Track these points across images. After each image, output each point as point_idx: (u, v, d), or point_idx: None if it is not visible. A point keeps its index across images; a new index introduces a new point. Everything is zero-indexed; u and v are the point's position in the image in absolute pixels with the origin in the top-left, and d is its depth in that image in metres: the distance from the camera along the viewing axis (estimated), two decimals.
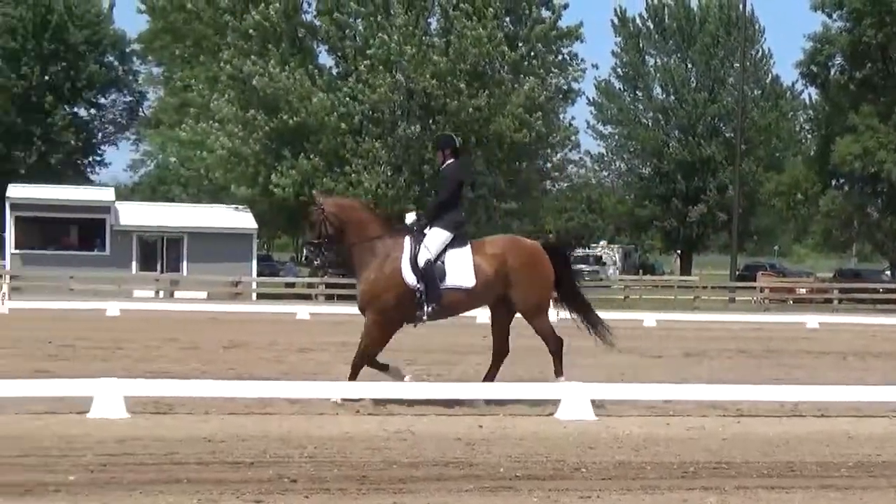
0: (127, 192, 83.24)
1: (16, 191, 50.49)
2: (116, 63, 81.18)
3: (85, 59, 76.25)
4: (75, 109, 79.08)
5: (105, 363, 17.71)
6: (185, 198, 68.40)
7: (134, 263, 49.74)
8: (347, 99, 49.20)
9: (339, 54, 52.48)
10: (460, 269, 13.93)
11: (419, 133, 49.53)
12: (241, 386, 13.68)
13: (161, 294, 46.93)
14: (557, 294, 14.89)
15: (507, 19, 52.94)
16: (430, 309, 13.91)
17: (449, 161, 14.60)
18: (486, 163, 51.22)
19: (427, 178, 50.08)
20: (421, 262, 13.83)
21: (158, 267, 50.10)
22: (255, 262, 52.16)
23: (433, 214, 14.23)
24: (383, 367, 14.22)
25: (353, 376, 14.02)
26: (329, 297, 48.34)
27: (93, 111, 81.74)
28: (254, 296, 48.39)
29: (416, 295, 13.89)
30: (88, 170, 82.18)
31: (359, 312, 14.26)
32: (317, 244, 14.42)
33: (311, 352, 21.27)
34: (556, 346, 14.56)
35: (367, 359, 14.10)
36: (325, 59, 54.35)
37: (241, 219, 52.40)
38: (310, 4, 53.39)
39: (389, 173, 49.58)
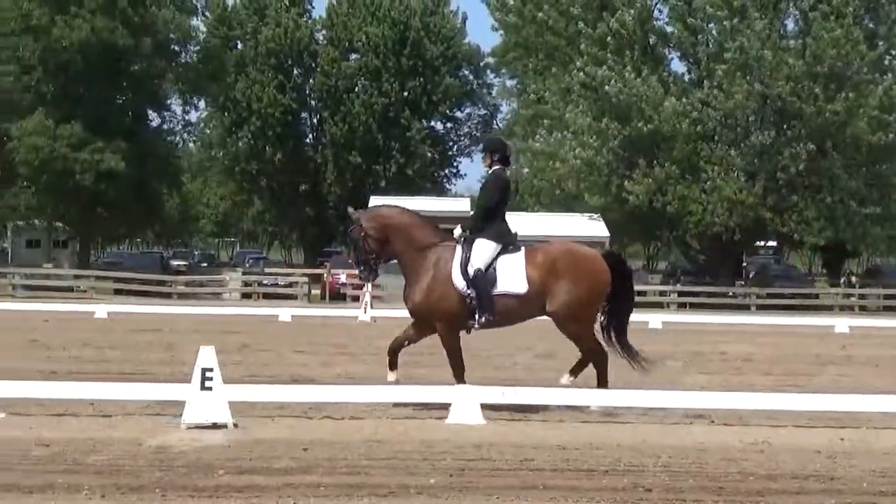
0: None
1: (377, 202, 52.43)
2: (471, 77, 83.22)
3: (440, 73, 78.47)
4: (432, 123, 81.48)
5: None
6: (538, 207, 69.26)
7: None
8: (700, 105, 48.59)
9: (692, 60, 51.96)
10: (512, 276, 13.71)
11: (773, 139, 48.39)
12: (592, 394, 13.72)
13: None
14: (609, 307, 14.38)
15: (866, 17, 50.94)
16: (482, 319, 13.73)
17: (496, 167, 14.43)
18: (844, 167, 49.40)
19: (782, 185, 48.84)
20: (470, 272, 13.67)
21: None
22: None
23: (478, 224, 14.09)
24: (393, 365, 14.16)
25: (459, 379, 13.79)
26: (681, 306, 47.94)
27: (448, 124, 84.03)
28: None
29: (468, 301, 13.70)
30: (444, 181, 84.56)
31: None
32: (365, 261, 14.33)
33: (662, 360, 21.02)
34: (600, 360, 14.15)
35: (458, 364, 13.99)
36: (677, 66, 54.00)
37: (593, 227, 52.59)
38: (661, 11, 53.18)
39: (744, 180, 48.64)
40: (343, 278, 50.54)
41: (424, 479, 9.66)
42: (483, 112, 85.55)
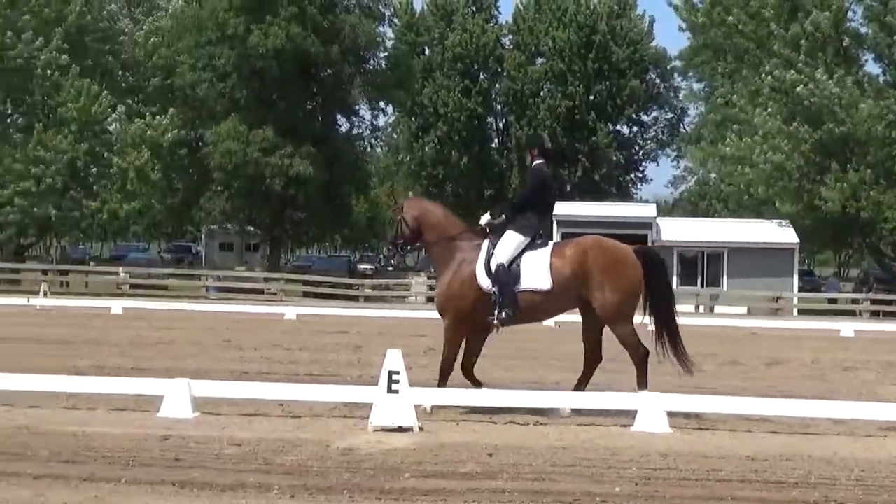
0: (667, 208, 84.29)
1: (562, 208, 52.38)
2: (658, 80, 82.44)
3: (626, 77, 77.96)
4: (618, 127, 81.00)
5: (650, 377, 17.96)
6: (726, 213, 68.28)
7: (674, 278, 50.20)
8: None
9: (887, 61, 50.53)
10: (536, 272, 13.45)
11: None
12: (782, 404, 13.43)
13: (701, 309, 47.07)
14: (649, 305, 13.96)
15: None
16: (503, 315, 13.49)
17: (537, 162, 14.13)
18: None
19: None
20: (493, 266, 13.49)
21: (698, 282, 50.31)
22: (795, 278, 51.19)
23: (509, 215, 13.91)
24: (476, 383, 13.86)
25: (442, 383, 13.71)
26: (874, 314, 46.66)
27: (634, 128, 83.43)
28: (794, 311, 47.48)
29: (492, 299, 13.50)
30: (630, 185, 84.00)
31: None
32: (394, 244, 14.57)
33: (855, 370, 20.55)
34: (639, 357, 13.63)
35: (449, 364, 13.83)
36: (871, 67, 52.60)
37: (782, 234, 51.59)
38: (854, 12, 51.87)
39: None
40: None
41: (609, 487, 9.60)
42: (670, 116, 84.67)
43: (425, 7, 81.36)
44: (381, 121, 77.95)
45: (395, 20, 74.54)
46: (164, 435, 11.42)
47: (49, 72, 53.34)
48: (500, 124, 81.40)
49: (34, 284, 43.29)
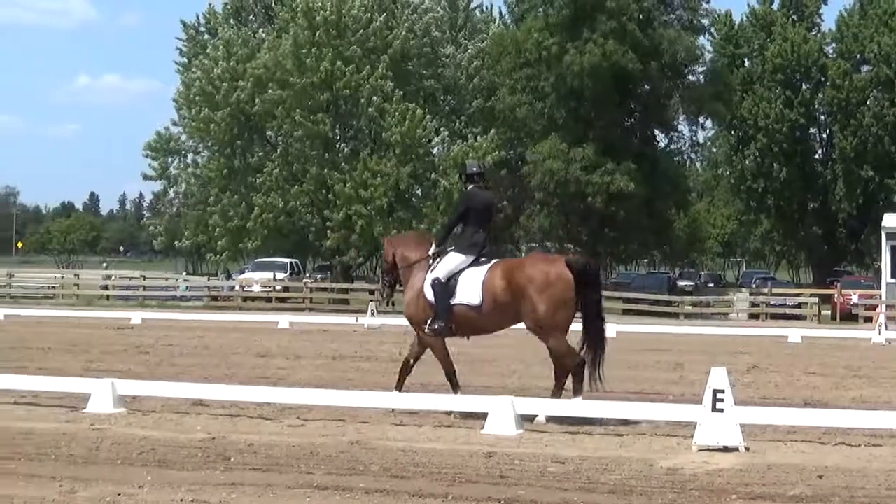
0: None
1: (891, 220, 50.34)
2: None
3: None
4: None
5: None
6: None
7: None
8: None
9: None
10: (470, 287, 14.09)
11: None
12: None
13: None
14: (581, 315, 14.22)
15: None
16: (435, 325, 14.20)
17: (469, 187, 15.02)
18: None
19: None
20: (429, 280, 14.31)
21: None
22: None
23: (443, 239, 14.94)
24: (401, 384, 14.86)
25: (455, 388, 14.58)
26: None
27: None
28: None
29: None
30: None
31: None
32: (382, 282, 16.13)
33: None
34: (576, 364, 13.90)
35: (448, 369, 14.63)
36: None
37: None
38: None
39: None
40: (855, 298, 48.95)
41: None
42: None
43: (744, 18, 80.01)
44: (700, 135, 77.08)
45: (714, 32, 73.57)
46: (489, 452, 11.59)
47: (375, 98, 55.34)
48: (824, 135, 79.09)
49: (362, 304, 44.87)
